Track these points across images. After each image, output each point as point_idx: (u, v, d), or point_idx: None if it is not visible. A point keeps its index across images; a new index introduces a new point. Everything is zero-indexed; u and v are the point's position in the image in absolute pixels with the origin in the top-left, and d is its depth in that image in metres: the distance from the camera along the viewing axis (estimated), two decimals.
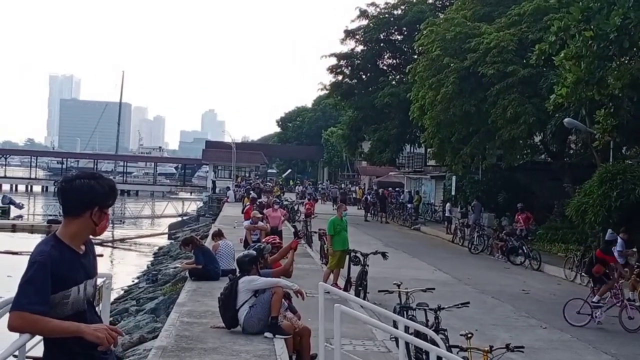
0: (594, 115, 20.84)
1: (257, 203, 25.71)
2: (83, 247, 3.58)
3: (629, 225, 18.99)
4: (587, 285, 17.89)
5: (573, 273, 21.03)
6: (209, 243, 17.62)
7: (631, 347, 12.90)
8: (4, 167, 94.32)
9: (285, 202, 37.47)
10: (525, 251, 24.32)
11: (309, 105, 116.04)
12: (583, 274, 18.75)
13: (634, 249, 18.41)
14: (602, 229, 20.73)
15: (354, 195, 59.85)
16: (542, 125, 27.37)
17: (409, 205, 43.55)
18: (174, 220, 51.90)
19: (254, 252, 9.61)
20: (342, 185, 74.30)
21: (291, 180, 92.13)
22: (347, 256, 15.84)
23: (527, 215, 27.69)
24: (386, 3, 48.25)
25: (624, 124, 20.88)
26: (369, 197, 45.75)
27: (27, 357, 4.11)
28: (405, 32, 46.83)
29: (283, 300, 9.34)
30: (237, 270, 9.73)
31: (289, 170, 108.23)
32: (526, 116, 26.75)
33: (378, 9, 47.95)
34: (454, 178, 36.42)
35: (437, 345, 7.27)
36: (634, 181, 19.72)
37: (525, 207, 28.18)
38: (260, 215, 19.35)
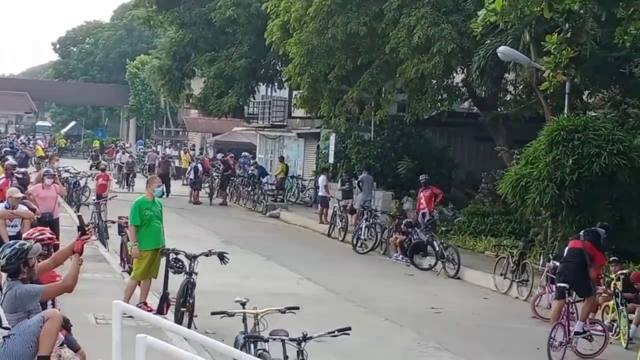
0: (543, 42, 21.44)
1: (18, 176, 24.93)
2: None
3: (590, 209, 19.83)
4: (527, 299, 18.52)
5: (507, 281, 21.56)
6: None
7: None
8: None
9: (66, 174, 36.73)
10: (437, 249, 24.93)
11: (106, 20, 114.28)
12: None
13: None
14: (551, 215, 21.50)
15: (176, 162, 59.54)
16: (465, 57, 28.00)
17: (264, 180, 43.64)
18: None
19: (9, 253, 9.34)
20: (159, 148, 73.69)
21: (97, 140, 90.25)
22: (164, 259, 15.71)
23: (432, 191, 28.13)
24: None
25: (586, 57, 21.64)
26: (198, 166, 45.57)
27: None
28: None
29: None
30: None
31: (73, 123, 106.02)
32: (442, 42, 27.26)
33: None
34: (332, 137, 36.75)
35: None
36: (598, 143, 20.20)
37: (429, 180, 28.65)
38: (21, 195, 18.79)
